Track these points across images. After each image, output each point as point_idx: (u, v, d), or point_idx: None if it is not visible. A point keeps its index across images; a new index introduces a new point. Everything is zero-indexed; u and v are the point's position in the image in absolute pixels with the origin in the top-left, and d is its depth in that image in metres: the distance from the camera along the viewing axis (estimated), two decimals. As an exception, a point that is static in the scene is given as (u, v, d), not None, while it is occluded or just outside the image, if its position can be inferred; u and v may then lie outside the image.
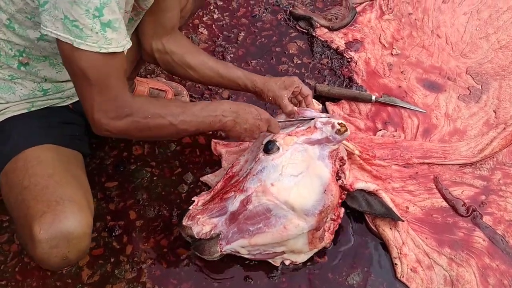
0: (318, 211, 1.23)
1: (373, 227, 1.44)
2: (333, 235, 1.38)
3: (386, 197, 1.43)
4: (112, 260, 1.41)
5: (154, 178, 1.56)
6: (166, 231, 1.46)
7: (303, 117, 1.35)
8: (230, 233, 1.27)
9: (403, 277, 1.37)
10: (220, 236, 1.28)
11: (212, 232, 1.27)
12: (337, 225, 1.38)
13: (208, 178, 1.54)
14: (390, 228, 1.43)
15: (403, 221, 1.41)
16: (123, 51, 1.04)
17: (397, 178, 1.54)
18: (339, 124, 1.27)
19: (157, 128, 1.13)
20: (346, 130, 1.27)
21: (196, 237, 1.28)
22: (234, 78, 1.39)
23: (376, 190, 1.43)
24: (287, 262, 1.36)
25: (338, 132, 1.26)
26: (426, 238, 1.43)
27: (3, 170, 1.18)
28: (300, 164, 1.25)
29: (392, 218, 1.41)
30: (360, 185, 1.41)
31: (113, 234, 1.46)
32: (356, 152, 1.44)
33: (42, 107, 1.26)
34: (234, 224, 1.27)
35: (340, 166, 1.34)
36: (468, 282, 1.35)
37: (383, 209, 1.41)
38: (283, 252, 1.32)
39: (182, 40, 1.40)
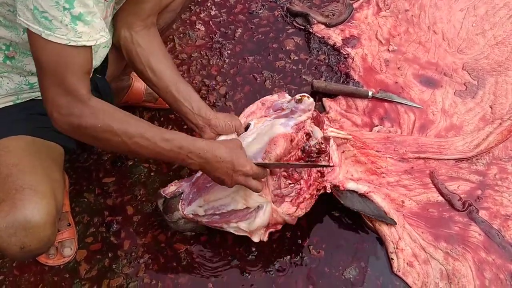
0: (261, 158, 1.25)
1: (369, 222, 1.45)
2: (302, 210, 1.36)
3: (378, 199, 1.44)
4: (109, 255, 1.41)
5: (152, 174, 1.56)
6: (164, 227, 1.46)
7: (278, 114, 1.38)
8: (191, 193, 1.33)
9: (399, 271, 1.37)
10: (183, 195, 1.33)
11: (176, 191, 1.34)
12: (307, 202, 1.36)
13: None
14: (386, 224, 1.43)
15: (396, 223, 1.42)
16: (90, 48, 1.02)
17: (392, 172, 1.55)
18: (299, 95, 1.35)
19: (106, 141, 1.05)
20: (307, 98, 1.34)
21: (162, 194, 1.34)
22: (189, 98, 1.31)
23: (367, 193, 1.44)
24: (240, 233, 1.31)
25: (298, 101, 1.33)
26: (422, 232, 1.44)
27: None
28: (262, 130, 1.32)
29: (385, 221, 1.42)
30: (351, 185, 1.43)
31: (111, 229, 1.46)
32: (349, 137, 1.47)
33: (27, 99, 1.24)
34: (195, 185, 1.34)
35: (307, 139, 1.35)
36: (464, 276, 1.35)
37: (376, 212, 1.42)
38: (236, 213, 1.31)
39: (154, 38, 1.32)
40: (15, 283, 1.35)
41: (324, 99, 1.74)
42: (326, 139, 1.40)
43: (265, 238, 1.32)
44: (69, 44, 0.96)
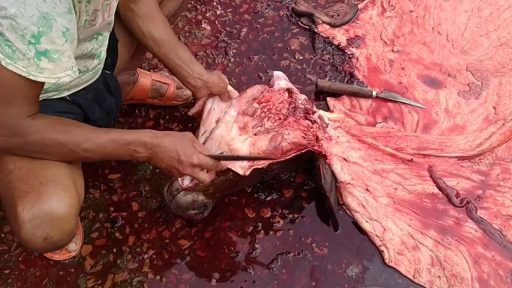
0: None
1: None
2: (286, 142, 1.35)
3: (354, 194, 1.47)
4: (114, 250, 1.43)
5: (157, 171, 1.58)
6: (168, 223, 1.47)
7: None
8: None
9: (391, 262, 1.40)
10: None
11: None
12: (294, 134, 1.37)
13: None
14: (366, 221, 1.46)
15: (336, 230, 1.46)
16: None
17: (389, 160, 1.56)
18: None
19: (56, 153, 1.07)
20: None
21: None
22: (189, 62, 1.38)
23: (347, 183, 1.47)
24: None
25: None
26: (410, 219, 1.46)
27: None
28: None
29: (332, 219, 1.45)
30: (336, 166, 1.45)
31: (116, 225, 1.48)
32: (341, 115, 1.58)
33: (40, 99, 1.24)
34: None
35: (290, 95, 1.44)
36: (458, 265, 1.38)
37: (331, 207, 1.43)
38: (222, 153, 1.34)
39: (151, 6, 1.35)
40: (21, 277, 1.37)
41: (328, 98, 1.75)
42: (320, 117, 1.44)
43: (247, 173, 1.33)
44: (28, 77, 0.93)
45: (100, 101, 1.34)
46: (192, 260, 1.41)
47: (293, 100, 1.41)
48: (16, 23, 0.87)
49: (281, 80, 1.45)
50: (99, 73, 1.29)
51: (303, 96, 1.44)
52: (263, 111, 1.39)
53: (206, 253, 1.42)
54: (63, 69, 0.98)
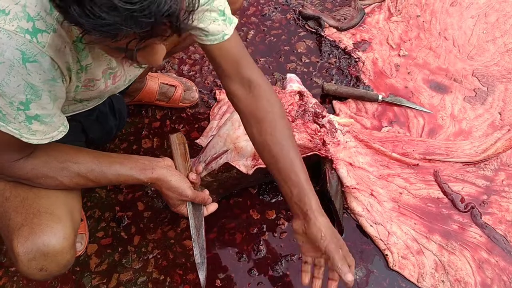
0: None
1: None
2: None
3: (355, 204, 1.47)
4: (120, 249, 1.44)
5: (163, 171, 1.58)
6: (173, 223, 1.48)
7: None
8: (196, 161, 1.43)
9: (395, 266, 1.40)
10: None
11: None
12: (299, 136, 1.37)
13: (201, 140, 1.66)
14: (371, 225, 1.46)
15: (341, 234, 1.43)
16: None
17: (395, 165, 1.57)
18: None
19: (54, 186, 1.06)
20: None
21: None
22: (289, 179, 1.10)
23: (352, 188, 1.47)
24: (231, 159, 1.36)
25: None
26: (414, 223, 1.46)
27: None
28: None
29: (337, 223, 1.45)
30: (342, 171, 1.45)
31: (121, 224, 1.48)
32: (351, 120, 1.57)
33: None
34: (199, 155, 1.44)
35: (300, 98, 1.45)
36: (461, 269, 1.38)
37: (336, 211, 1.43)
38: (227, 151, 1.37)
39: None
40: (27, 274, 1.38)
41: (334, 101, 1.76)
42: (329, 122, 1.45)
43: (250, 172, 1.34)
44: (21, 139, 0.92)
45: (102, 123, 1.34)
46: (197, 260, 1.42)
47: (303, 103, 1.42)
48: (2, 91, 0.83)
49: (294, 82, 1.45)
50: (106, 98, 1.28)
51: (314, 100, 1.45)
52: None
53: (211, 253, 1.43)
54: (55, 128, 0.96)
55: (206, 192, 1.22)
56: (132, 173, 1.09)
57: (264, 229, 1.48)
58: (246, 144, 1.34)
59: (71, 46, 0.88)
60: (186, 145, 1.23)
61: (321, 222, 1.07)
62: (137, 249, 1.44)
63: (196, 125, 1.70)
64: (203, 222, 1.21)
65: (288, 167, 1.09)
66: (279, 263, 1.41)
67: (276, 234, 1.47)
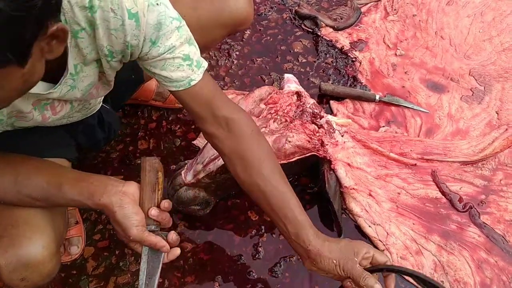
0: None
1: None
2: (290, 144, 1.33)
3: (353, 204, 1.47)
4: (117, 252, 1.42)
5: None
6: (171, 226, 1.47)
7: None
8: (193, 162, 1.38)
9: None
10: (186, 165, 1.39)
11: (181, 163, 1.44)
12: (298, 137, 1.35)
13: (198, 141, 1.65)
14: (369, 226, 1.45)
15: (340, 235, 1.44)
16: None
17: (393, 165, 1.57)
18: None
19: (9, 203, 1.01)
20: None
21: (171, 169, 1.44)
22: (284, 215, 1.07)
23: (351, 188, 1.46)
24: None
25: None
26: (413, 224, 1.46)
27: None
28: None
29: (336, 224, 1.45)
30: (340, 171, 1.45)
31: (118, 227, 1.47)
32: (349, 120, 1.56)
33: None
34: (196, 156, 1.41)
35: (298, 99, 1.43)
36: (460, 270, 1.38)
37: (335, 212, 1.43)
38: None
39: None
40: (23, 278, 1.36)
41: (331, 101, 1.75)
42: (327, 122, 1.44)
43: None
44: None
45: (88, 135, 1.30)
46: (195, 262, 1.41)
47: (301, 103, 1.41)
48: None
49: (291, 83, 1.45)
50: (94, 112, 1.23)
51: (312, 100, 1.44)
52: (270, 113, 1.39)
53: (209, 256, 1.42)
54: None
55: (172, 236, 1.05)
56: (80, 199, 0.99)
57: (263, 231, 1.47)
58: None
59: None
60: (161, 173, 1.06)
61: (325, 251, 1.04)
62: (134, 252, 1.41)
63: (193, 126, 1.69)
64: (159, 269, 1.03)
65: (281, 204, 1.06)
66: (278, 264, 1.40)
67: (274, 235, 1.46)
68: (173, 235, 1.05)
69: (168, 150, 1.63)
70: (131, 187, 1.03)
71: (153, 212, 1.03)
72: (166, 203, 1.06)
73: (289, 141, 1.33)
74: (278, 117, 1.39)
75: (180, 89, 1.00)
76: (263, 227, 1.48)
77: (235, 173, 1.09)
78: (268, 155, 1.08)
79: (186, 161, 1.45)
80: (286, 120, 1.39)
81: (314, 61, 1.89)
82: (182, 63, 0.97)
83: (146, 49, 0.93)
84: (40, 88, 0.90)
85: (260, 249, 1.43)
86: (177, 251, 1.07)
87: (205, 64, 1.03)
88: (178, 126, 1.69)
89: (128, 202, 1.00)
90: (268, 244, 1.44)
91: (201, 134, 1.66)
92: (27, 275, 1.01)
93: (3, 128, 1.01)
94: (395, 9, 2.05)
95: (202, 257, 1.42)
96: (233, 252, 1.43)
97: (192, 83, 1.00)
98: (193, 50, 1.00)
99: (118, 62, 0.98)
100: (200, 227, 1.47)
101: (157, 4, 0.90)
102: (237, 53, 1.90)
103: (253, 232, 1.47)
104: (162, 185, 1.05)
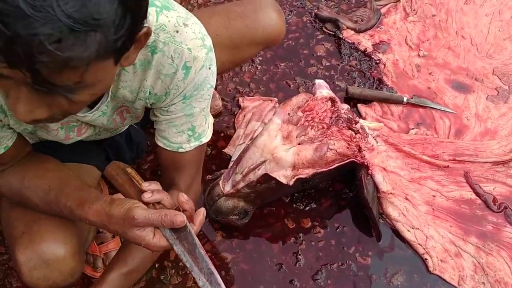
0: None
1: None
2: (331, 151, 1.33)
3: (391, 209, 1.47)
4: (156, 265, 1.41)
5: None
6: (209, 235, 1.46)
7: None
8: (230, 171, 1.39)
9: (435, 270, 1.40)
10: (223, 175, 1.39)
11: (217, 172, 1.44)
12: (339, 144, 1.34)
13: (228, 149, 1.64)
14: (408, 230, 1.45)
15: (379, 241, 1.45)
16: None
17: (426, 168, 1.57)
18: None
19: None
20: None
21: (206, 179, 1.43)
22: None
23: (388, 193, 1.46)
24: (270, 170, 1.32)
25: None
26: (450, 226, 1.46)
27: None
28: None
29: (374, 229, 1.45)
30: (378, 176, 1.44)
31: (156, 239, 1.45)
32: (381, 124, 1.57)
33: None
34: (234, 163, 1.41)
35: (333, 104, 1.42)
36: (500, 270, 1.38)
37: (373, 218, 1.42)
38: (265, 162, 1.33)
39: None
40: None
41: (359, 105, 1.75)
42: (361, 127, 1.44)
43: (291, 182, 1.32)
44: None
45: (115, 154, 1.29)
46: (236, 273, 1.40)
47: (336, 109, 1.40)
48: None
49: (323, 88, 1.44)
50: (119, 132, 1.23)
51: (345, 106, 1.44)
52: (307, 120, 1.38)
53: (249, 265, 1.41)
54: None
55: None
56: (78, 212, 0.91)
57: (301, 238, 1.46)
58: (285, 154, 1.32)
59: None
60: (128, 169, 0.99)
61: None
62: (174, 264, 1.41)
63: (222, 134, 1.68)
64: (196, 242, 0.87)
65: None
66: (319, 272, 1.40)
67: (313, 243, 1.46)
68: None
69: (199, 159, 1.62)
70: (117, 195, 1.05)
71: (147, 195, 0.87)
72: (144, 193, 0.90)
73: (331, 149, 1.32)
74: (315, 124, 1.38)
75: (167, 148, 1.02)
76: (301, 234, 1.47)
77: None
78: None
79: (222, 171, 1.44)
80: (323, 127, 1.38)
81: (338, 64, 1.88)
82: (185, 131, 0.99)
83: (175, 100, 0.94)
84: None
85: (300, 257, 1.43)
86: (200, 212, 0.89)
87: (205, 139, 1.04)
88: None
89: (115, 200, 0.88)
90: (308, 252, 1.44)
91: (231, 142, 1.64)
92: (48, 274, 0.98)
93: (25, 135, 1.00)
94: (414, 10, 2.05)
95: (243, 267, 1.41)
96: (273, 261, 1.42)
97: (180, 150, 1.02)
98: (203, 122, 1.01)
99: (145, 105, 0.97)
100: (238, 237, 1.46)
101: (209, 68, 0.92)
102: (260, 58, 1.89)
103: (291, 240, 1.46)
104: (138, 177, 0.96)
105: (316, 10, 2.03)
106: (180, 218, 0.82)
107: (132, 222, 0.82)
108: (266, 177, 1.33)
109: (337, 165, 1.37)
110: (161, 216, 0.82)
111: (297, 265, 1.41)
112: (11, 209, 1.04)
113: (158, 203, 0.88)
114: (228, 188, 1.36)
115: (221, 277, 1.37)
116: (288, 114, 1.37)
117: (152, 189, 0.89)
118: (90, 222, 0.90)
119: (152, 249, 0.86)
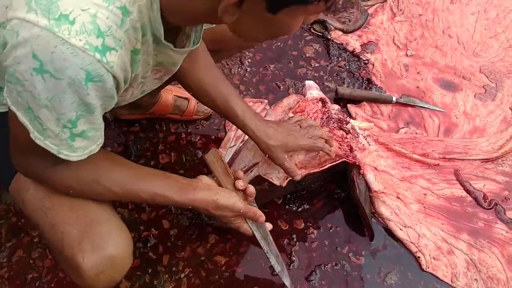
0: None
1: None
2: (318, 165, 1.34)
3: (383, 208, 1.47)
4: (149, 271, 1.40)
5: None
6: (202, 239, 1.45)
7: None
8: None
9: (428, 267, 1.40)
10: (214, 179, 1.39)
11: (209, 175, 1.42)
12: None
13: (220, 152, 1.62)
14: (400, 229, 1.46)
15: (372, 240, 1.46)
16: None
17: (416, 166, 1.58)
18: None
19: (83, 198, 1.00)
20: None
21: None
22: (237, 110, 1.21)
23: (380, 192, 1.47)
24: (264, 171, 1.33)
25: None
26: (442, 224, 1.47)
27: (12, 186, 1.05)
28: None
29: (367, 229, 1.45)
30: (369, 176, 1.45)
31: (148, 244, 1.44)
32: (371, 124, 1.58)
33: None
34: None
35: (323, 105, 1.43)
36: (492, 266, 1.40)
37: (366, 218, 1.43)
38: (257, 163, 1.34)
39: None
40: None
41: (348, 105, 1.76)
42: (352, 127, 1.45)
43: (284, 184, 1.32)
44: (58, 155, 0.83)
45: None
46: (231, 276, 1.39)
47: (326, 110, 1.41)
48: (52, 106, 0.75)
49: (313, 89, 1.44)
50: None
51: (336, 106, 1.44)
52: None
53: (244, 268, 1.40)
54: (95, 142, 0.87)
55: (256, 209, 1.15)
56: (170, 194, 1.01)
57: (294, 239, 1.46)
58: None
59: (129, 58, 0.80)
60: (223, 157, 1.16)
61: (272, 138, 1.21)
62: (167, 269, 1.40)
63: (213, 137, 1.67)
64: (267, 230, 1.20)
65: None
66: (313, 273, 1.40)
67: (306, 244, 1.46)
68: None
69: (190, 162, 1.61)
70: (205, 179, 1.11)
71: (240, 183, 1.13)
72: (237, 176, 1.16)
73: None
74: None
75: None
76: (294, 236, 1.47)
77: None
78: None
79: (213, 174, 1.43)
80: None
81: (327, 65, 1.89)
82: None
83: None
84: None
85: (293, 258, 1.42)
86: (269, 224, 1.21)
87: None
88: (198, 137, 1.67)
89: (218, 189, 1.09)
90: (301, 253, 1.44)
91: (222, 144, 1.64)
92: (114, 274, 0.99)
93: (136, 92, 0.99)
94: (401, 10, 2.07)
95: (237, 270, 1.40)
96: (266, 263, 1.41)
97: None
98: None
99: None
100: (231, 240, 1.46)
101: None
102: (249, 60, 1.89)
103: (284, 242, 1.46)
104: (228, 168, 1.16)
105: (304, 12, 2.04)
106: (264, 217, 1.16)
107: (237, 213, 1.09)
108: (259, 179, 1.33)
109: (329, 165, 1.37)
110: (254, 212, 1.13)
111: (291, 266, 1.41)
112: (50, 211, 0.99)
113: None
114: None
115: (215, 280, 1.38)
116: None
117: (244, 179, 1.16)
118: (194, 207, 1.06)
119: (247, 234, 1.16)
